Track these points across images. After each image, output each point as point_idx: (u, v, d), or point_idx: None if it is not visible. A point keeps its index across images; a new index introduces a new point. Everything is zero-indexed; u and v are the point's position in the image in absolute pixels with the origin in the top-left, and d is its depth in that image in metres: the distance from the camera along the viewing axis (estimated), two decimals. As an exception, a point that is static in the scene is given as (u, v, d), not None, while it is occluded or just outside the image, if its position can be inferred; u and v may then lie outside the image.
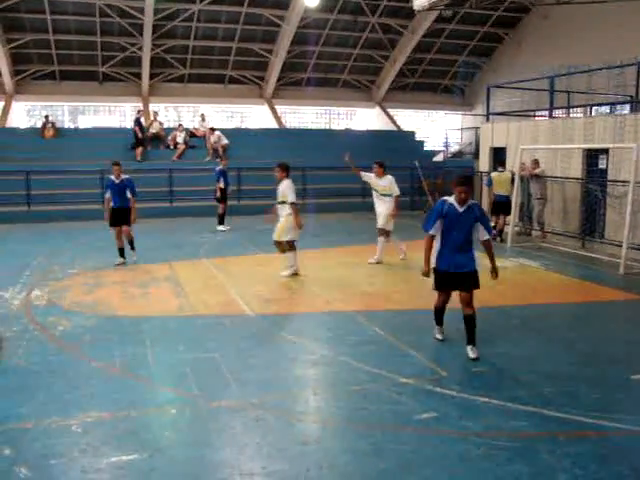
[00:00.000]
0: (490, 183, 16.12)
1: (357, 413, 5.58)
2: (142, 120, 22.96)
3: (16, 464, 4.62)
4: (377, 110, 30.86)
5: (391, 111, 30.83)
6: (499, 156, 18.44)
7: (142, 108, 24.80)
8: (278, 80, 28.56)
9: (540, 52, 25.09)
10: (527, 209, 16.59)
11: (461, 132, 31.17)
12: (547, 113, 18.18)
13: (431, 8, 20.25)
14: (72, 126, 28.33)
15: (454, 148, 30.09)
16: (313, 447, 4.99)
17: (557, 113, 19.04)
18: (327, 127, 31.60)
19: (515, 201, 15.48)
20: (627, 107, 19.78)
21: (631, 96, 17.74)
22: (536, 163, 15.88)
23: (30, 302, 9.46)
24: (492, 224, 13.96)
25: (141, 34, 24.73)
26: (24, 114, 28.11)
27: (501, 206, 15.66)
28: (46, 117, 23.97)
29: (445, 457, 4.78)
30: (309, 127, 30.34)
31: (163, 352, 7.23)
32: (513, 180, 15.52)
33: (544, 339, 7.86)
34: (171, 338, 7.76)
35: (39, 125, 24.36)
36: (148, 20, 23.84)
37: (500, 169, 15.96)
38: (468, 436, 5.10)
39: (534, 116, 20.47)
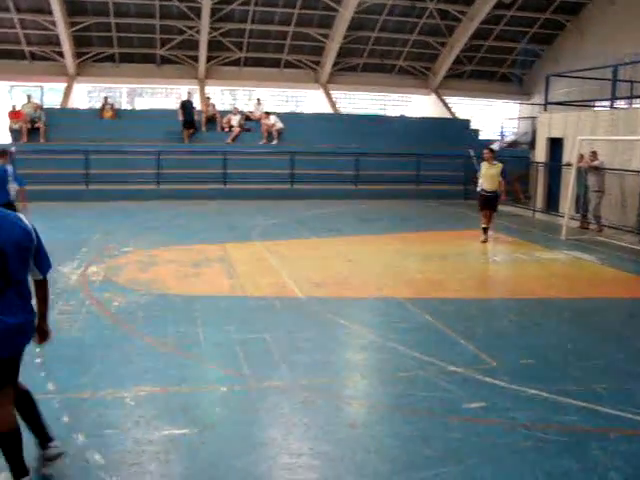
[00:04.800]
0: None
1: (404, 399, 5.59)
2: (191, 102, 23.20)
3: (74, 431, 4.79)
4: (432, 97, 30.52)
5: (446, 99, 30.47)
6: (555, 147, 18.10)
7: (191, 91, 24.98)
8: (334, 65, 28.45)
9: (605, 40, 24.30)
10: (583, 202, 16.21)
11: (518, 121, 30.64)
12: (608, 103, 17.72)
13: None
14: (129, 108, 28.78)
15: (510, 138, 29.58)
16: (360, 431, 5.03)
17: (619, 103, 18.53)
18: (381, 113, 31.41)
19: (571, 194, 15.17)
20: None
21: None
22: (594, 155, 15.52)
23: (87, 278, 9.71)
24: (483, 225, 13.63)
25: (199, 17, 24.91)
26: (85, 95, 28.65)
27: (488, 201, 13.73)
28: (105, 98, 24.46)
29: (492, 447, 4.75)
30: (363, 113, 30.20)
31: (214, 331, 7.34)
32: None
33: (597, 334, 7.73)
34: (222, 318, 7.87)
35: (98, 106, 24.83)
36: (206, 3, 24.00)
37: (494, 161, 13.76)
38: (516, 427, 5.05)
39: (593, 106, 19.99)
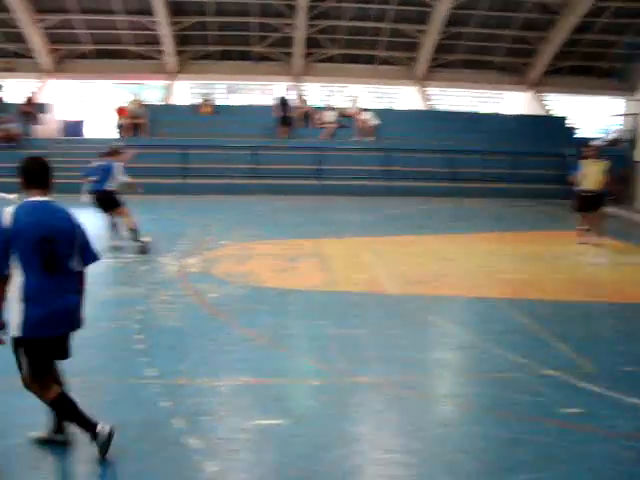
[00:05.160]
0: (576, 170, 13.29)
1: (498, 401, 5.48)
2: (287, 99, 23.48)
3: (172, 416, 4.96)
4: (527, 94, 29.70)
5: (544, 95, 29.57)
6: None
7: (288, 87, 25.22)
8: (429, 61, 28.13)
9: None
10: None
11: (619, 119, 29.39)
12: None
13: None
14: (226, 104, 29.41)
15: (610, 136, 28.42)
16: (453, 430, 4.98)
17: None
18: (475, 110, 30.83)
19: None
20: None
21: None
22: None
23: (185, 269, 10.01)
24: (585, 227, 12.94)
25: (295, 15, 25.16)
26: (184, 92, 29.48)
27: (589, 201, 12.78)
28: (203, 95, 25.11)
29: (589, 455, 4.59)
30: (458, 110, 29.72)
31: (308, 325, 7.43)
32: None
33: None
34: (316, 312, 7.95)
35: (197, 102, 25.52)
36: (303, 1, 24.21)
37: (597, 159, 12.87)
38: (616, 436, 4.86)
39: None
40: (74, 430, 4.47)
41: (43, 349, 4.13)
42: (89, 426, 4.23)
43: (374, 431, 4.93)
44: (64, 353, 4.35)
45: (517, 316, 7.98)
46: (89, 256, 4.38)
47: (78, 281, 4.33)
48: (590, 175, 12.57)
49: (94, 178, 11.13)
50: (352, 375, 5.93)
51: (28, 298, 4.02)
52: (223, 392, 5.48)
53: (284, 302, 8.33)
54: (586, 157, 12.90)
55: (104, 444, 4.22)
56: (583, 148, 13.47)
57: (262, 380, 5.76)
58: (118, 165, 11.27)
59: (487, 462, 4.49)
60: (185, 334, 7.02)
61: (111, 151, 11.60)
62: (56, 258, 4.10)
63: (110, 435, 4.25)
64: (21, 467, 4.30)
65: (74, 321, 4.29)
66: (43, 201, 4.19)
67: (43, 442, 4.48)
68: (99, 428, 4.22)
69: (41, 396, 4.22)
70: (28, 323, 4.01)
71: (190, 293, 8.67)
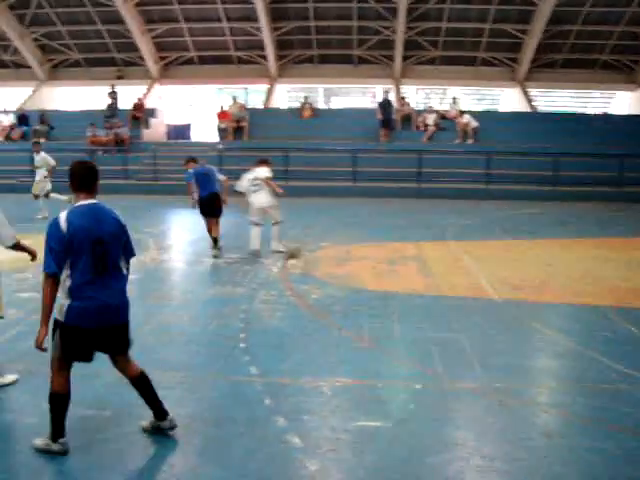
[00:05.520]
0: None
1: (606, 413, 5.26)
2: (389, 101, 23.46)
3: (274, 414, 5.06)
4: (639, 93, 28.44)
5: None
6: None
7: (387, 90, 25.17)
8: (532, 62, 27.42)
9: None
10: None
11: None
12: None
13: None
14: (327, 107, 29.69)
15: None
16: (557, 441, 4.81)
17: None
18: (582, 111, 29.80)
19: None
20: None
21: None
22: None
23: (287, 270, 10.20)
24: None
25: (395, 17, 25.12)
26: (285, 95, 29.98)
27: None
28: (305, 98, 25.47)
29: None
30: (562, 111, 28.83)
31: (409, 328, 7.39)
32: None
33: None
34: (417, 315, 7.91)
35: (297, 106, 25.89)
36: (403, 3, 24.14)
37: None
38: None
39: None
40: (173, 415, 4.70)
41: (78, 337, 4.32)
42: (58, 434, 4.38)
43: (476, 437, 4.85)
44: (113, 346, 4.54)
45: (624, 325, 7.65)
46: (129, 253, 4.61)
47: (121, 278, 4.50)
48: None
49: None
50: (454, 380, 5.86)
51: (73, 295, 4.26)
52: (324, 392, 5.52)
53: (384, 305, 8.33)
54: None
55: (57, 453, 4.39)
56: None
57: (363, 381, 5.77)
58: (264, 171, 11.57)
59: (594, 477, 4.30)
60: (287, 334, 7.14)
61: (260, 161, 11.91)
62: (107, 259, 4.33)
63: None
64: (135, 452, 4.53)
65: (115, 316, 4.44)
66: (93, 204, 4.41)
67: (152, 430, 4.70)
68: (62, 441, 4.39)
69: (51, 381, 4.41)
70: (70, 313, 4.26)
71: (292, 294, 8.81)
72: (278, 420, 4.94)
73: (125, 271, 4.53)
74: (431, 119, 23.33)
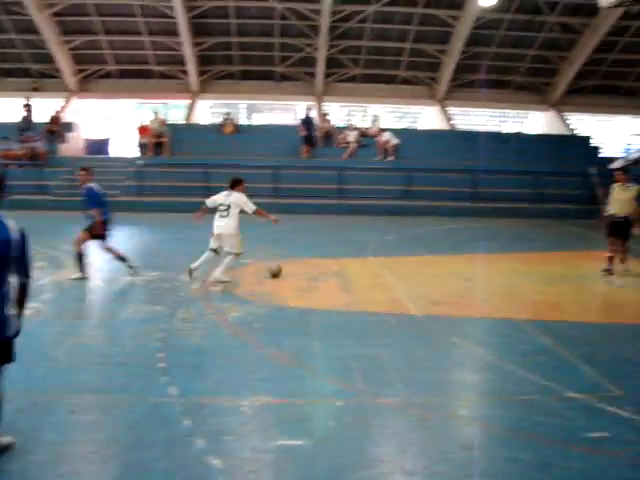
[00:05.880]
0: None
1: (523, 424, 5.40)
2: (311, 118, 23.57)
3: (193, 435, 4.95)
4: (551, 113, 29.59)
5: (566, 115, 29.46)
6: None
7: (310, 107, 25.31)
8: (450, 81, 28.17)
9: None
10: None
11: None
12: None
13: (619, 5, 18.95)
14: (249, 123, 29.61)
15: (635, 155, 28.16)
16: (477, 453, 4.90)
17: None
18: (498, 130, 30.74)
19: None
20: None
21: None
22: None
23: (207, 288, 10.03)
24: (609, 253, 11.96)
25: (317, 35, 25.36)
26: (207, 112, 29.74)
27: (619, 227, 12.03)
28: (226, 114, 25.32)
29: (617, 482, 4.51)
30: (479, 129, 29.68)
31: (329, 345, 7.38)
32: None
33: None
34: (338, 332, 7.91)
35: (219, 122, 25.71)
36: (325, 21, 24.41)
37: (628, 184, 12.10)
38: (643, 461, 4.77)
39: None
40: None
41: None
42: None
43: (397, 453, 4.88)
44: None
45: (541, 338, 7.87)
46: (22, 270, 4.42)
47: (9, 292, 4.34)
48: (619, 201, 11.94)
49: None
50: (375, 396, 5.88)
51: None
52: (245, 412, 5.45)
53: (305, 322, 8.30)
54: (616, 181, 12.21)
55: None
56: (615, 172, 12.76)
57: (284, 400, 5.72)
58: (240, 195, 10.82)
59: (512, 487, 4.41)
60: (206, 353, 7.03)
61: (236, 180, 11.08)
62: None
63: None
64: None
65: None
66: None
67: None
68: None
69: None
70: None
71: (212, 312, 8.68)
72: (198, 441, 4.85)
73: (7, 286, 4.32)
74: (352, 136, 23.54)
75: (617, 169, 12.71)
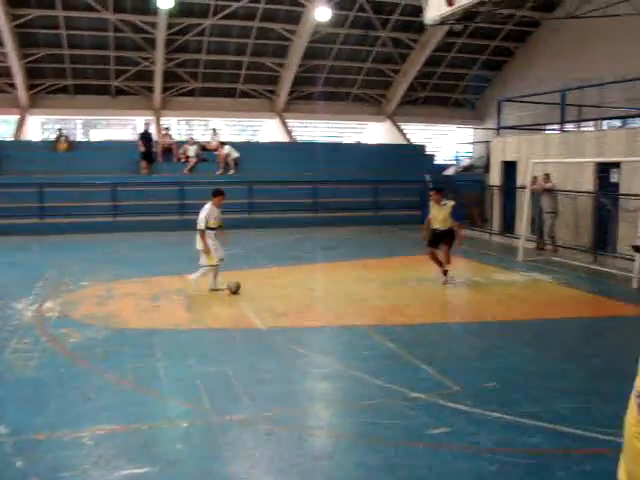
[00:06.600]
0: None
1: (369, 428, 5.53)
2: (150, 133, 23.09)
3: (28, 477, 4.62)
4: (387, 124, 30.87)
5: (401, 125, 30.85)
6: (509, 170, 18.36)
7: (148, 121, 24.76)
8: (289, 94, 28.63)
9: (551, 66, 25.00)
10: (538, 223, 16.42)
11: (473, 146, 31.14)
12: (559, 127, 18.12)
13: (442, 23, 20.17)
14: (85, 139, 28.50)
15: (465, 162, 30.00)
16: (325, 462, 4.96)
17: (569, 127, 18.99)
18: (337, 141, 31.60)
19: (526, 216, 15.41)
20: (639, 120, 19.71)
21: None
22: (547, 177, 15.79)
23: (42, 314, 9.48)
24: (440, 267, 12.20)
25: (154, 48, 24.89)
26: (38, 128, 28.29)
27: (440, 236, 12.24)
28: (59, 130, 24.17)
29: (458, 473, 4.73)
30: (319, 141, 30.36)
31: (174, 365, 7.22)
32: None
33: (557, 354, 7.79)
34: (182, 351, 7.76)
35: (53, 138, 24.51)
36: (161, 34, 24.00)
37: (443, 201, 12.18)
38: (481, 452, 5.04)
39: (545, 130, 20.41)
40: None
41: None
42: None
43: (247, 470, 4.82)
44: None
45: (384, 342, 8.13)
46: None
47: None
48: (438, 220, 12.03)
49: None
50: (221, 414, 5.80)
51: None
52: (86, 443, 5.17)
53: (148, 343, 8.05)
54: (433, 201, 12.20)
55: None
56: (429, 192, 12.89)
57: (128, 426, 5.51)
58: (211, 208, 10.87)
59: (360, 491, 4.50)
60: (43, 384, 6.59)
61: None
62: None
63: None
64: None
65: None
66: None
67: None
68: None
69: None
70: None
71: (48, 339, 8.20)
72: (31, 483, 4.52)
73: None
74: (192, 150, 23.23)
75: (431, 189, 13.09)
